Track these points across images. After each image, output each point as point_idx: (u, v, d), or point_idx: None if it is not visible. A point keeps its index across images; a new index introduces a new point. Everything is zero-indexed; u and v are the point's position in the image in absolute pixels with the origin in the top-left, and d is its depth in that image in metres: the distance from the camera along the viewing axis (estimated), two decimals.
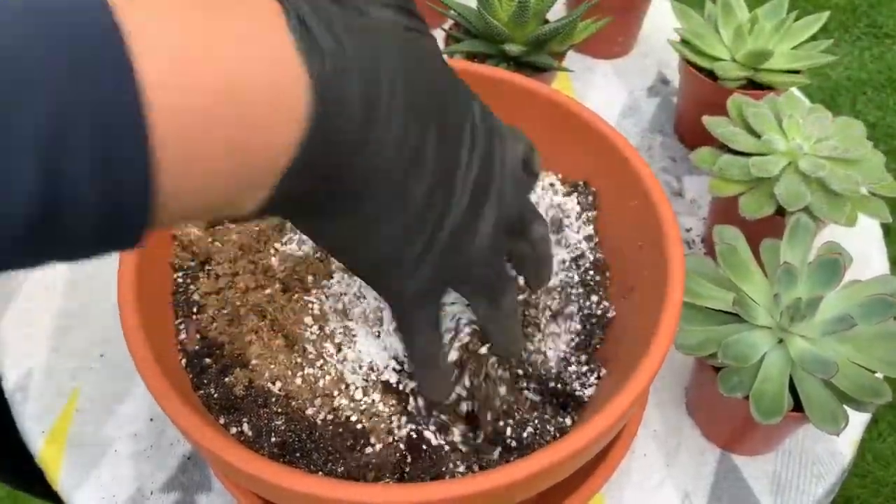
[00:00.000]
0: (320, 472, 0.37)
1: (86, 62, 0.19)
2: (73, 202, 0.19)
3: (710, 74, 0.68)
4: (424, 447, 0.37)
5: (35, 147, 0.18)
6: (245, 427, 0.39)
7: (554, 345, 0.42)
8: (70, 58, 0.18)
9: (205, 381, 0.40)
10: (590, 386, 0.41)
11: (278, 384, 0.40)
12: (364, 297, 0.41)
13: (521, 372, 0.40)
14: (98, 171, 0.19)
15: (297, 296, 0.42)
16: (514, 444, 0.39)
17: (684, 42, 0.69)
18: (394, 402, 0.39)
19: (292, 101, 0.23)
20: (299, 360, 0.40)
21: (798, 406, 0.47)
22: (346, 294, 0.42)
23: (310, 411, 0.39)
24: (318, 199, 0.26)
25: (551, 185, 0.49)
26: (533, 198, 0.47)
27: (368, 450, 0.38)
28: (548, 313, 0.42)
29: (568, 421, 0.40)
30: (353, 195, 0.27)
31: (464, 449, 0.38)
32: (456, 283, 0.32)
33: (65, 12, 0.19)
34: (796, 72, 0.67)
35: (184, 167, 0.21)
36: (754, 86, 0.68)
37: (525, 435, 0.39)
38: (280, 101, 0.23)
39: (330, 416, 0.39)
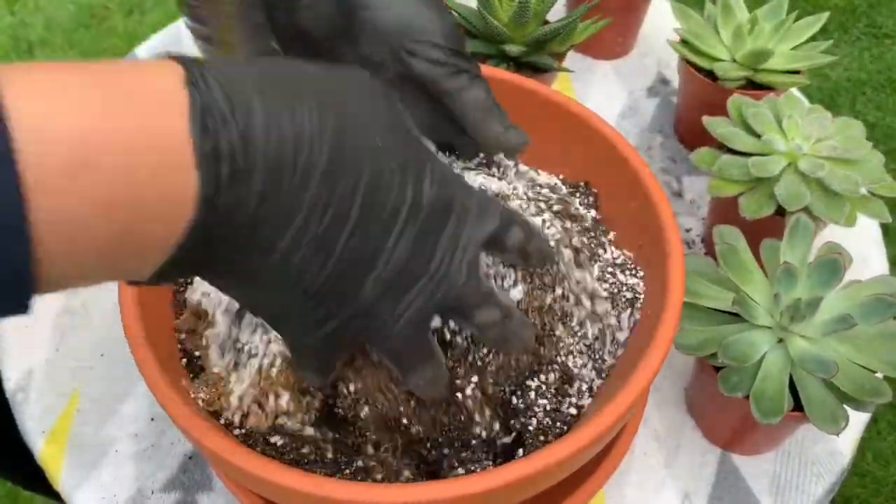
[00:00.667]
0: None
1: None
2: None
3: (710, 75, 0.68)
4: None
5: None
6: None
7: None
8: None
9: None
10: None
11: None
12: None
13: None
14: None
15: None
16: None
17: (684, 42, 0.69)
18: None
19: (181, 209, 0.23)
20: None
21: (798, 406, 0.47)
22: None
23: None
24: (213, 273, 0.26)
25: (554, 184, 0.50)
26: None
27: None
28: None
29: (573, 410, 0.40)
30: (246, 283, 0.27)
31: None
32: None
33: None
34: (796, 72, 0.67)
35: (65, 257, 0.21)
36: (754, 86, 0.68)
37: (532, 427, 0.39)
38: (168, 209, 0.22)
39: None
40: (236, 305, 0.40)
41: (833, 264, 0.49)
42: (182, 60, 0.24)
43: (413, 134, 0.30)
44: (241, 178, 0.23)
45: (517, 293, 0.38)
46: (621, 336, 0.43)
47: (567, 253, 0.43)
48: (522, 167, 0.50)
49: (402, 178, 0.28)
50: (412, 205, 0.28)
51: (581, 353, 0.42)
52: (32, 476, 0.56)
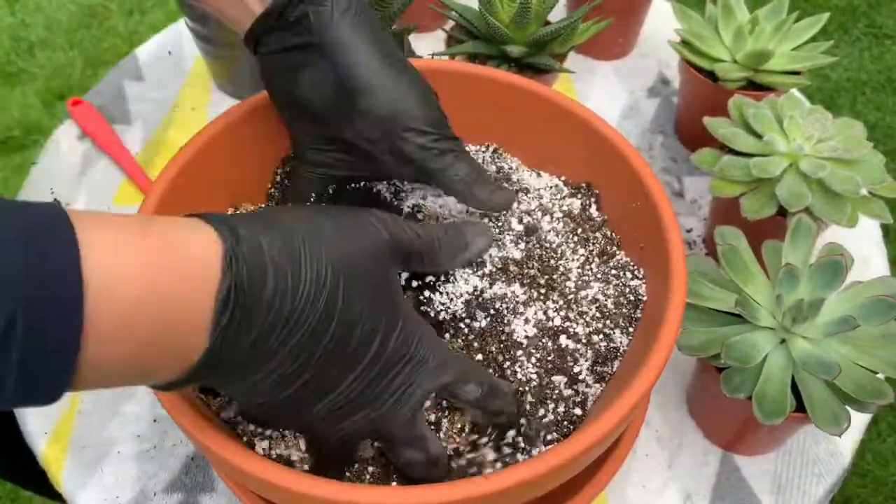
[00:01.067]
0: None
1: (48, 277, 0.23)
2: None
3: (711, 75, 0.68)
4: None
5: None
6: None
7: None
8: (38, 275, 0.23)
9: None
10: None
11: None
12: None
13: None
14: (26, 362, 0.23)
15: None
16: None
17: (685, 43, 0.70)
18: None
19: (192, 356, 0.29)
20: None
21: (800, 407, 0.47)
22: None
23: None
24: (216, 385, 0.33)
25: (556, 186, 0.50)
26: (544, 200, 0.48)
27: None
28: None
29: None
30: (236, 394, 0.34)
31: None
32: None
33: (39, 236, 0.24)
34: (796, 73, 0.67)
35: (95, 383, 0.26)
36: (754, 87, 0.68)
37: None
38: (181, 358, 0.28)
39: None
40: None
41: (835, 265, 0.49)
42: (223, 234, 0.29)
43: (396, 298, 0.35)
44: (241, 335, 0.29)
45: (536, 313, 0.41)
46: (624, 338, 0.43)
47: (577, 257, 0.44)
48: (525, 172, 0.50)
49: (371, 337, 0.33)
50: (373, 356, 0.33)
51: (584, 355, 0.42)
52: (33, 477, 0.57)
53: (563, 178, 0.51)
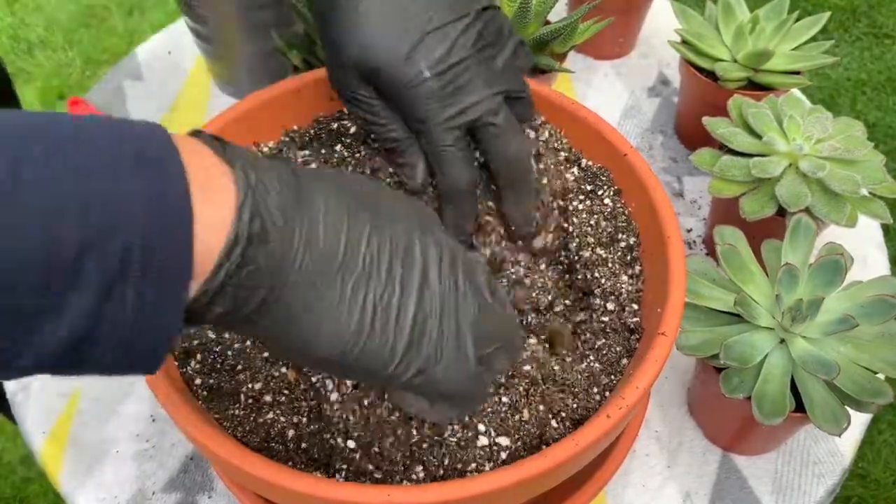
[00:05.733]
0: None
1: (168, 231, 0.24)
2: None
3: (711, 75, 0.68)
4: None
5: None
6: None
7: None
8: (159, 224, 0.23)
9: (203, 379, 0.40)
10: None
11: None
12: None
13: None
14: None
15: None
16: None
17: (685, 43, 0.69)
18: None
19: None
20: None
21: (799, 407, 0.47)
22: None
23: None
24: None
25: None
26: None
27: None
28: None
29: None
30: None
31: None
32: None
33: (153, 163, 0.24)
34: (796, 73, 0.67)
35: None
36: (754, 86, 0.68)
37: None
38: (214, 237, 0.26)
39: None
40: None
41: (834, 265, 0.49)
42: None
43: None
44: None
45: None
46: (624, 337, 0.43)
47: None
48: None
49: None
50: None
51: (585, 356, 0.42)
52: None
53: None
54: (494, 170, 0.41)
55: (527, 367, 0.41)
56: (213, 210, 0.25)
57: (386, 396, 0.39)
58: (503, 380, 0.40)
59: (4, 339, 0.22)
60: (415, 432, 0.38)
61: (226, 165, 0.27)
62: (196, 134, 0.28)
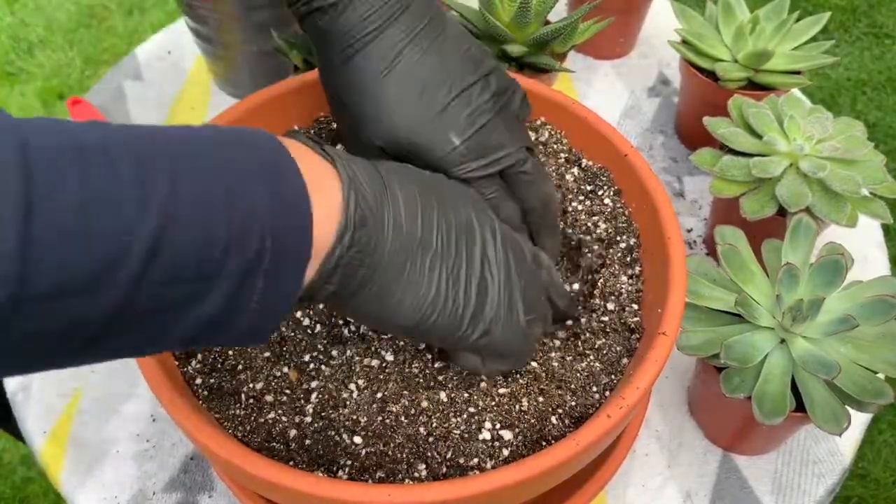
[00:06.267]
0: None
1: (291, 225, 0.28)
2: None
3: (711, 75, 0.68)
4: None
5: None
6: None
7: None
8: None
9: (204, 380, 0.40)
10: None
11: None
12: None
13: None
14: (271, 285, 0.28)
15: None
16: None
17: (685, 43, 0.69)
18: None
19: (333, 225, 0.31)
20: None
21: (800, 406, 0.47)
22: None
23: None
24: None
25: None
26: None
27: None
28: None
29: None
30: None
31: None
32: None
33: (273, 168, 0.28)
34: (797, 73, 0.67)
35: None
36: (755, 86, 0.68)
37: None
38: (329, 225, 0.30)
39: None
40: None
41: (835, 265, 0.49)
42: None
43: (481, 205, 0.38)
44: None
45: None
46: (624, 337, 0.43)
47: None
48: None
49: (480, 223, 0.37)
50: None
51: (585, 355, 0.42)
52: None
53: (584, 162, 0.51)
54: (529, 210, 0.43)
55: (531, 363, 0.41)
56: (324, 204, 0.30)
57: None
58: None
59: (167, 315, 0.25)
60: (422, 429, 0.38)
61: (328, 163, 0.31)
62: (292, 134, 0.32)
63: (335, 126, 0.50)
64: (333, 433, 0.38)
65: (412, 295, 0.33)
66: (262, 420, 0.39)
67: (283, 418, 0.39)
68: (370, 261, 0.32)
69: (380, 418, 0.39)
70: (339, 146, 0.48)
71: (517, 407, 0.39)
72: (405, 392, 0.40)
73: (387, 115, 0.39)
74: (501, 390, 0.40)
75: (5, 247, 0.21)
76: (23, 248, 0.21)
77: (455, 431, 0.38)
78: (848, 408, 0.46)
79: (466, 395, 0.40)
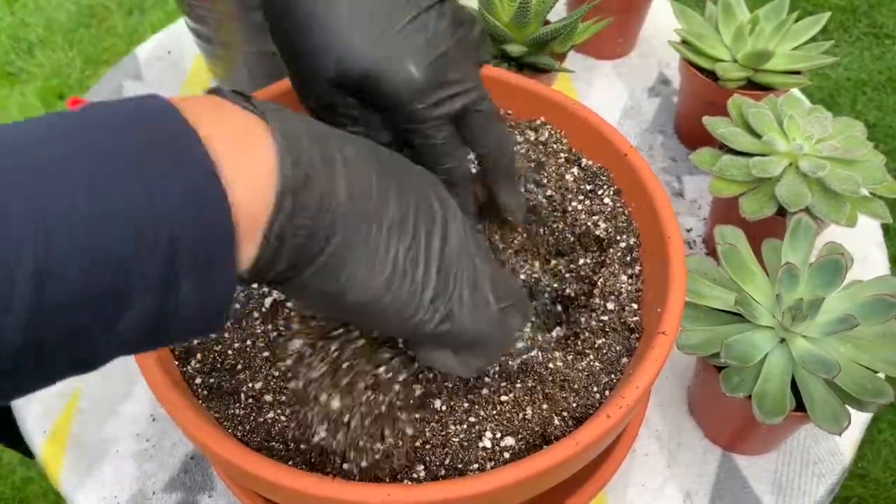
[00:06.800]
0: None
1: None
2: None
3: (711, 75, 0.68)
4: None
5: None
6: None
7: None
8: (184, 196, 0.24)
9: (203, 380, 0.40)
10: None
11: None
12: None
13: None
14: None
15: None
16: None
17: (685, 43, 0.69)
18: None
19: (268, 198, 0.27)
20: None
21: (800, 406, 0.47)
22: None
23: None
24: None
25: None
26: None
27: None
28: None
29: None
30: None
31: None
32: None
33: (166, 145, 0.24)
34: (796, 72, 0.67)
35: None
36: (754, 86, 0.68)
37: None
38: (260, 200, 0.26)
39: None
40: None
41: (835, 265, 0.49)
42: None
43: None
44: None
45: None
46: (624, 337, 0.43)
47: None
48: None
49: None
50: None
51: (585, 355, 0.42)
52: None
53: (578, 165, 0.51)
54: (485, 156, 0.40)
55: (533, 355, 0.41)
56: (255, 169, 0.26)
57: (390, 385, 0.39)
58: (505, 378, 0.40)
59: (94, 330, 0.23)
60: (421, 438, 0.38)
61: (257, 118, 0.27)
62: (214, 91, 0.28)
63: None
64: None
65: (365, 271, 0.29)
66: (262, 419, 0.39)
67: (282, 418, 0.39)
68: (317, 229, 0.28)
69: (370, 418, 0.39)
70: None
71: (520, 415, 0.39)
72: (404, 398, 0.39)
73: (335, 43, 0.35)
74: (503, 397, 0.40)
75: None
76: None
77: (454, 440, 0.38)
78: (848, 407, 0.46)
79: (467, 403, 0.39)
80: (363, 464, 0.37)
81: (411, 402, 0.39)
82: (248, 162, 0.26)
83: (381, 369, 0.39)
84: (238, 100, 0.28)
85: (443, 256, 0.32)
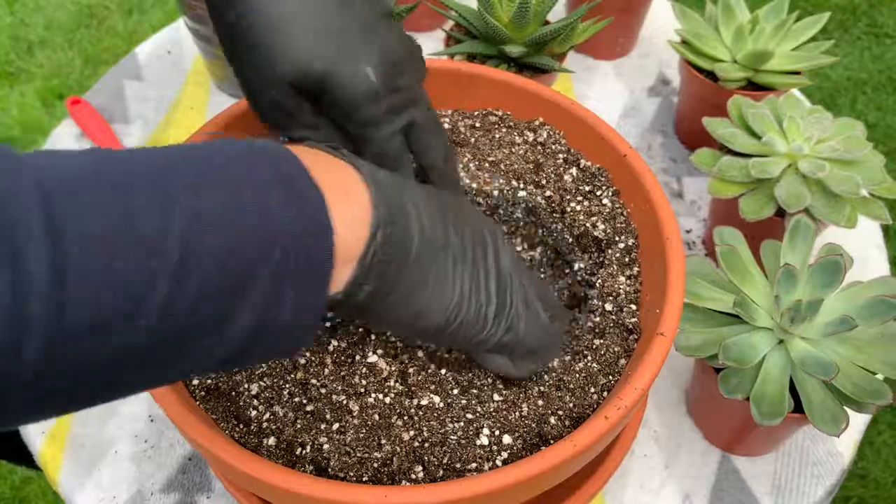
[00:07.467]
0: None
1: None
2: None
3: (711, 75, 0.68)
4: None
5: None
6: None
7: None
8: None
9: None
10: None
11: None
12: None
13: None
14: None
15: None
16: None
17: (685, 43, 0.69)
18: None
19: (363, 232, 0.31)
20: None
21: (798, 407, 0.47)
22: None
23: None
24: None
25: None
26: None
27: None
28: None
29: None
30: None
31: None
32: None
33: (289, 180, 0.29)
34: (796, 73, 0.67)
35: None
36: (754, 87, 0.68)
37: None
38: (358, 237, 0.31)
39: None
40: None
41: (834, 266, 0.49)
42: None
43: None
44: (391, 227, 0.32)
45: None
46: (622, 338, 0.43)
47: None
48: None
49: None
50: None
51: (583, 356, 0.42)
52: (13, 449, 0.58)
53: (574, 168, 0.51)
54: (429, 165, 0.41)
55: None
56: (353, 207, 0.30)
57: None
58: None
59: (202, 336, 0.26)
60: (419, 436, 0.38)
61: (351, 167, 0.32)
62: (305, 143, 0.33)
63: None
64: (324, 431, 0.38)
65: (438, 295, 0.34)
66: (259, 421, 0.39)
67: (283, 418, 0.39)
68: (399, 260, 0.32)
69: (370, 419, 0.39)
70: None
71: (516, 413, 0.39)
72: (404, 397, 0.40)
73: (294, 44, 0.36)
74: (497, 396, 0.40)
75: (38, 288, 0.21)
76: (54, 289, 0.21)
77: (451, 438, 0.38)
78: (846, 408, 0.46)
79: (464, 400, 0.40)
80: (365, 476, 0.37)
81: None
82: (348, 200, 0.30)
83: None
84: (327, 149, 0.33)
85: (499, 277, 0.37)
